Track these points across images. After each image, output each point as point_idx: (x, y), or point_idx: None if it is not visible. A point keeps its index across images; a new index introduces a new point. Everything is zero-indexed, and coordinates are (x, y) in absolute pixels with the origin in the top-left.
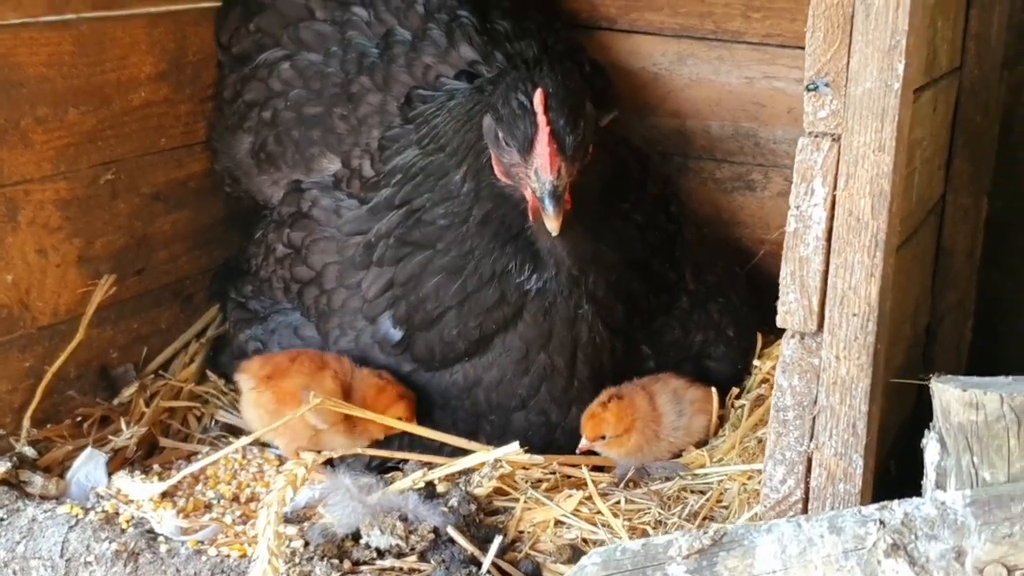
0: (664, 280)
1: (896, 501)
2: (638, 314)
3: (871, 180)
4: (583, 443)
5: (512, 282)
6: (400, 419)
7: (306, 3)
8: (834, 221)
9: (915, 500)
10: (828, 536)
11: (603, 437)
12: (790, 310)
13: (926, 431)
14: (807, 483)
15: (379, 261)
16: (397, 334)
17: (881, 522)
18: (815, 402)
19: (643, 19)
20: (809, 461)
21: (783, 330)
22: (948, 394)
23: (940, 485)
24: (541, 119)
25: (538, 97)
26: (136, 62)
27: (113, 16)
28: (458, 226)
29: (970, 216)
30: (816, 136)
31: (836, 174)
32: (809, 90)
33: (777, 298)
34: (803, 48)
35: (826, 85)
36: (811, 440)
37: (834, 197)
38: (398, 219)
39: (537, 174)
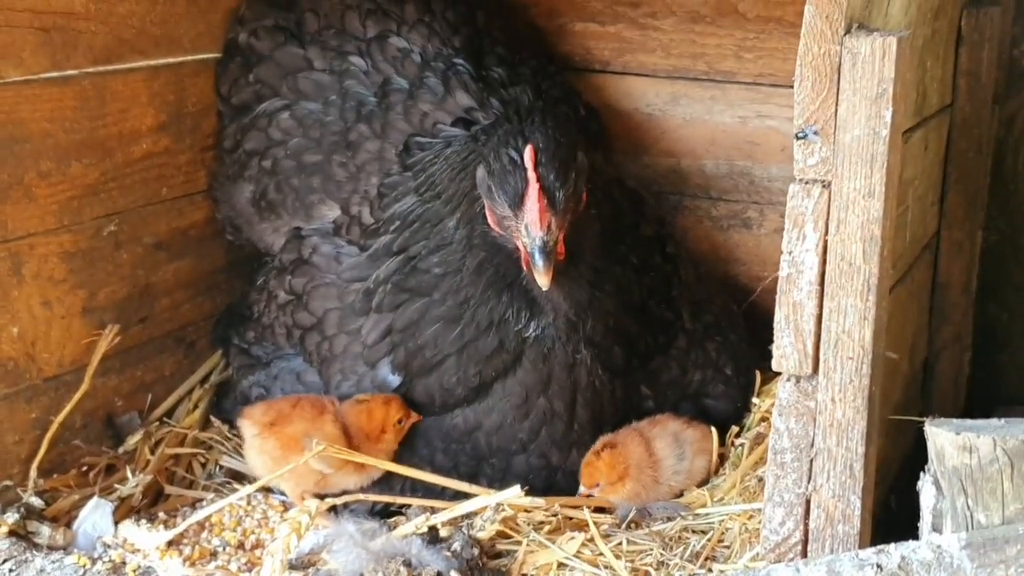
0: (661, 321)
1: (893, 545)
2: (636, 355)
3: (862, 225)
4: (581, 489)
5: (510, 330)
6: (400, 421)
7: (304, 54)
8: (826, 266)
9: (911, 543)
10: None
11: (598, 484)
12: (785, 354)
13: (922, 474)
14: (806, 525)
15: (378, 307)
16: (396, 380)
17: (879, 566)
18: (812, 445)
19: (636, 61)
20: (808, 503)
21: None
22: (942, 438)
23: (936, 527)
24: (531, 175)
25: (528, 153)
26: (137, 115)
27: (114, 70)
28: (453, 275)
29: (964, 250)
30: (807, 183)
31: (827, 219)
32: (799, 138)
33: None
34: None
35: (815, 133)
36: (809, 482)
37: (826, 242)
38: (396, 266)
39: (527, 229)
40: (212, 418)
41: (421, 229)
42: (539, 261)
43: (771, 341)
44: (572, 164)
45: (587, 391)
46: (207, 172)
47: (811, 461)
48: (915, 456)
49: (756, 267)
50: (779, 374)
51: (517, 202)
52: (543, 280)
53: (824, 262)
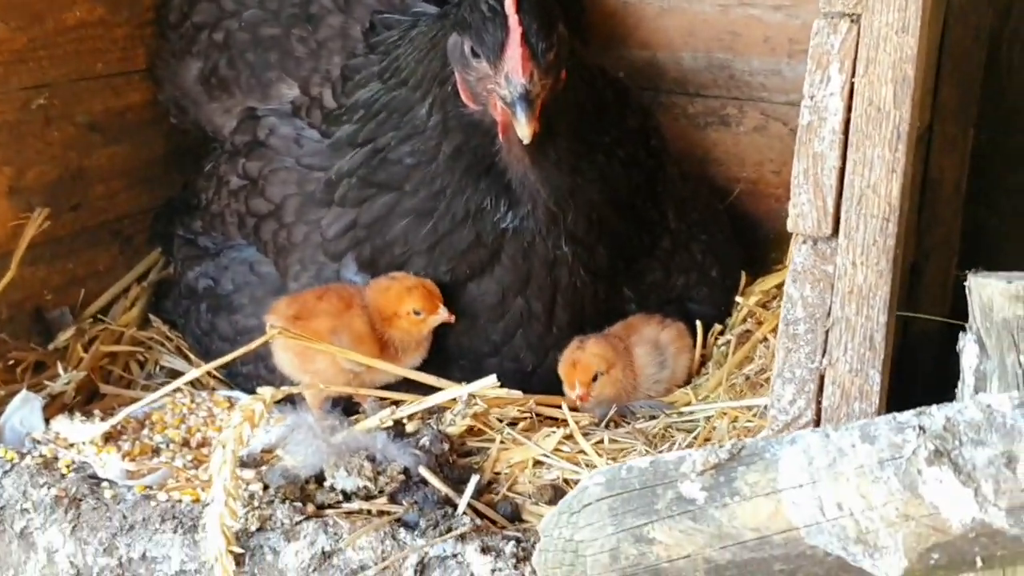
0: (646, 219)
1: (935, 407)
2: (620, 256)
3: (894, 65)
4: (576, 392)
5: (488, 221)
6: (417, 313)
7: None
8: (852, 112)
9: (956, 404)
10: (860, 445)
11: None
12: (802, 212)
13: (961, 333)
14: (819, 403)
15: (341, 201)
16: (360, 279)
17: (920, 428)
18: (828, 314)
19: None
20: (821, 379)
21: (762, 269)
22: (990, 288)
23: (979, 390)
24: (513, 19)
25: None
26: None
27: None
28: (426, 164)
29: (957, 146)
30: (832, 17)
31: (855, 59)
32: None
33: (755, 235)
34: None
35: None
36: (824, 356)
37: (852, 85)
38: (361, 158)
39: (508, 78)
40: (152, 317)
41: (389, 119)
42: (521, 112)
43: (751, 243)
44: (555, 25)
45: (568, 291)
46: (146, 50)
47: (827, 332)
48: (899, 358)
49: (734, 167)
50: (759, 276)
51: (497, 52)
52: (525, 132)
53: (849, 108)
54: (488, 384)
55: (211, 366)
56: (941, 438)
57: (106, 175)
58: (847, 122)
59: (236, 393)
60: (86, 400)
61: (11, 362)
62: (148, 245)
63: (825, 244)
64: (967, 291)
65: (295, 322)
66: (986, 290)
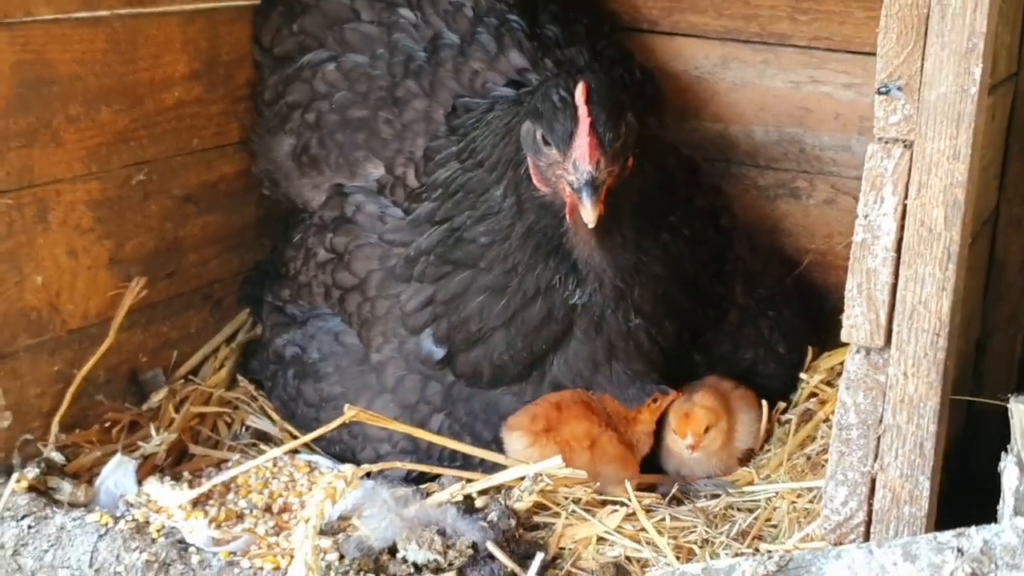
0: (712, 294)
1: (974, 528)
2: (687, 329)
3: (945, 189)
4: (683, 442)
5: (557, 297)
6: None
7: (351, 4)
8: (904, 232)
9: (994, 527)
10: (902, 564)
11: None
12: (856, 324)
13: (1003, 454)
14: (870, 505)
15: (420, 277)
16: (440, 351)
17: (959, 550)
18: (880, 421)
19: (686, 21)
20: (873, 482)
21: (830, 342)
22: None
23: (1019, 511)
24: (582, 111)
25: (580, 90)
26: (170, 61)
27: (147, 13)
28: (500, 243)
29: (1023, 226)
30: (887, 142)
31: (908, 182)
32: (881, 93)
33: (821, 307)
34: (852, 52)
35: (899, 88)
36: (875, 460)
37: (905, 206)
38: (439, 236)
39: (575, 165)
40: (239, 377)
41: (465, 199)
42: (586, 197)
43: (817, 314)
44: (623, 114)
45: (647, 358)
46: (239, 124)
47: (878, 438)
48: (965, 436)
49: (803, 239)
50: (827, 350)
51: (566, 140)
52: (590, 216)
53: (902, 228)
54: (554, 465)
55: (303, 440)
56: (978, 561)
57: (199, 243)
58: (899, 241)
59: (316, 457)
60: (176, 460)
61: (107, 423)
62: (238, 306)
63: (878, 355)
64: (1009, 414)
65: (546, 434)
66: None
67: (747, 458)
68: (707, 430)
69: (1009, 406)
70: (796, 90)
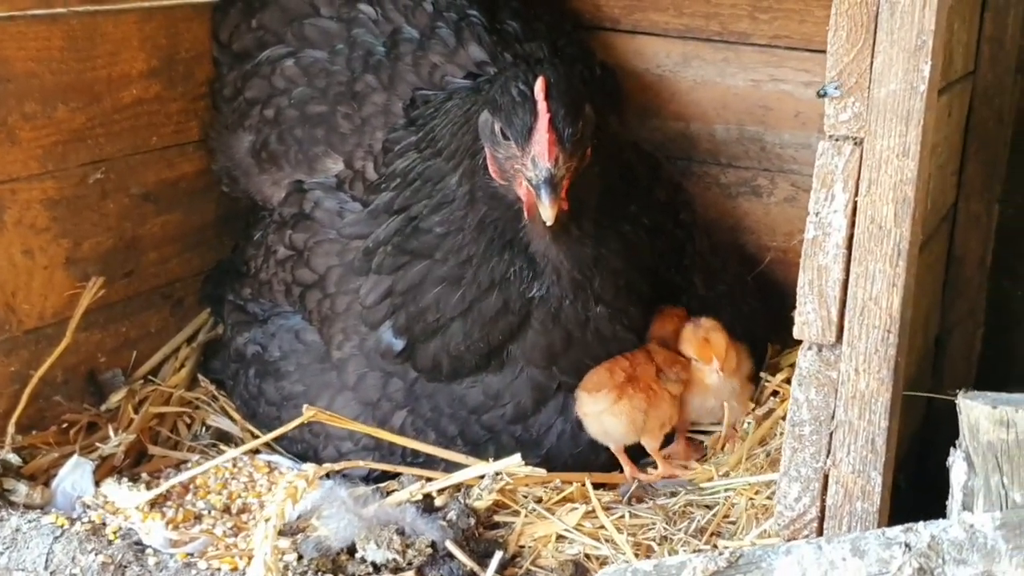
0: (671, 285)
1: (922, 523)
2: (651, 316)
3: (894, 186)
4: (715, 364)
5: (513, 289)
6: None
7: None
8: (855, 228)
9: (941, 522)
10: (851, 559)
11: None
12: (807, 321)
13: (952, 449)
14: (823, 501)
15: (378, 268)
16: (399, 343)
17: (907, 545)
18: (832, 417)
19: (647, 20)
20: (825, 478)
21: (791, 340)
22: (977, 411)
23: (967, 506)
24: (541, 106)
25: (539, 85)
26: (127, 58)
27: (104, 11)
28: (455, 234)
29: (981, 223)
30: (837, 140)
31: (858, 179)
32: (820, 95)
33: (783, 305)
34: (812, 51)
35: (836, 88)
36: (828, 456)
37: (855, 203)
38: (396, 226)
39: (534, 161)
40: (199, 377)
41: (423, 188)
42: (545, 195)
43: (779, 312)
44: (582, 108)
45: (612, 343)
46: (199, 122)
47: (831, 434)
48: (923, 433)
49: (765, 236)
50: (788, 347)
51: (525, 135)
52: (548, 213)
53: (852, 224)
54: (513, 463)
55: (263, 440)
56: (926, 556)
57: (159, 242)
58: (850, 238)
59: (276, 457)
60: (135, 461)
61: (64, 424)
62: (199, 306)
63: (829, 351)
64: (957, 410)
65: (630, 384)
66: (973, 412)
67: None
68: (726, 350)
69: (957, 402)
70: (757, 88)
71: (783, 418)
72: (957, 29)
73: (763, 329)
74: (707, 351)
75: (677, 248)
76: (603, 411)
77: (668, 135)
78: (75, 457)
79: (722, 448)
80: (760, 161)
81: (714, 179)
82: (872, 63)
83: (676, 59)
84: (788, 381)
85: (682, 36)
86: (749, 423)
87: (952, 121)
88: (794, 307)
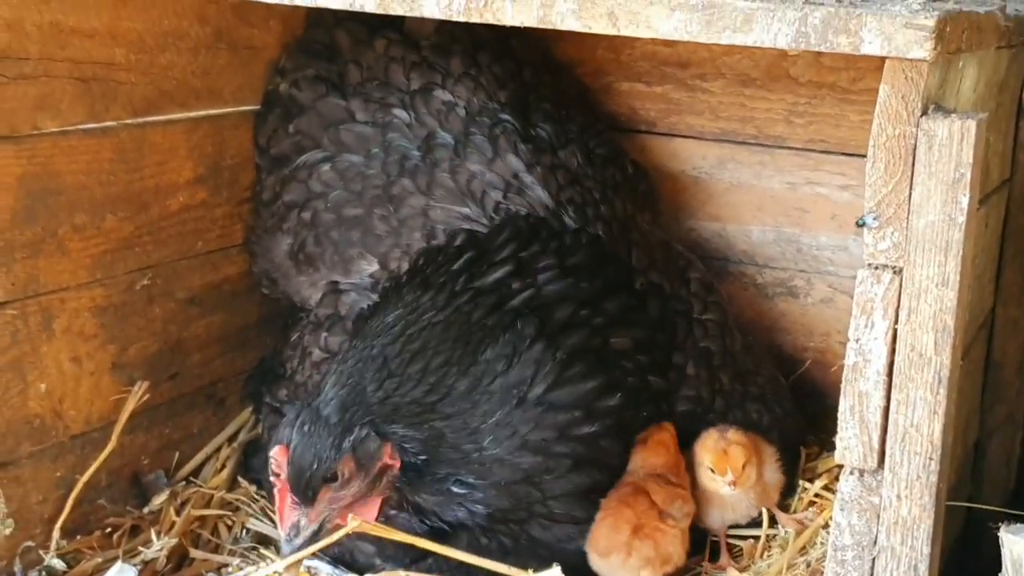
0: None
1: None
2: None
3: (934, 315)
4: (728, 478)
5: None
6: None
7: (346, 105)
8: (895, 356)
9: None
10: None
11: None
12: (849, 446)
13: None
14: None
15: None
16: None
17: None
18: (875, 542)
19: (683, 123)
20: None
21: (829, 442)
22: (1020, 547)
23: None
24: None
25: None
26: (175, 167)
27: (153, 122)
28: None
29: (1019, 328)
30: (876, 268)
31: (897, 307)
32: (859, 226)
33: (820, 407)
34: (847, 155)
35: (874, 218)
36: None
37: (895, 331)
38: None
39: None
40: (240, 478)
41: None
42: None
43: (815, 413)
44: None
45: None
46: (243, 225)
47: (873, 560)
48: (963, 540)
49: (802, 337)
50: (827, 451)
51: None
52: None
53: (893, 352)
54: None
55: (308, 552)
56: None
57: (203, 344)
58: (891, 364)
59: (315, 562)
60: (177, 565)
61: (108, 528)
62: (240, 405)
63: (871, 477)
64: (1000, 543)
65: (635, 535)
66: (1016, 547)
67: (779, 494)
68: (744, 466)
69: (1000, 535)
70: (793, 191)
71: (824, 527)
72: (993, 141)
73: (798, 431)
74: (723, 463)
75: (704, 354)
76: (615, 570)
77: (704, 235)
78: (119, 563)
79: (761, 556)
80: (796, 262)
81: (751, 279)
82: (911, 194)
83: (712, 161)
84: (827, 488)
85: (718, 139)
86: (788, 532)
87: (989, 230)
88: (833, 407)
